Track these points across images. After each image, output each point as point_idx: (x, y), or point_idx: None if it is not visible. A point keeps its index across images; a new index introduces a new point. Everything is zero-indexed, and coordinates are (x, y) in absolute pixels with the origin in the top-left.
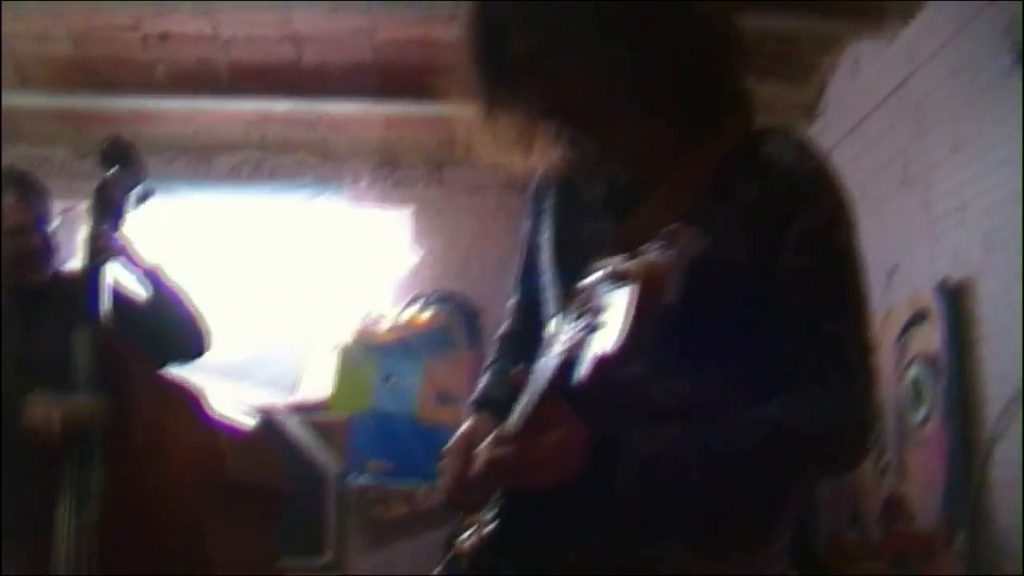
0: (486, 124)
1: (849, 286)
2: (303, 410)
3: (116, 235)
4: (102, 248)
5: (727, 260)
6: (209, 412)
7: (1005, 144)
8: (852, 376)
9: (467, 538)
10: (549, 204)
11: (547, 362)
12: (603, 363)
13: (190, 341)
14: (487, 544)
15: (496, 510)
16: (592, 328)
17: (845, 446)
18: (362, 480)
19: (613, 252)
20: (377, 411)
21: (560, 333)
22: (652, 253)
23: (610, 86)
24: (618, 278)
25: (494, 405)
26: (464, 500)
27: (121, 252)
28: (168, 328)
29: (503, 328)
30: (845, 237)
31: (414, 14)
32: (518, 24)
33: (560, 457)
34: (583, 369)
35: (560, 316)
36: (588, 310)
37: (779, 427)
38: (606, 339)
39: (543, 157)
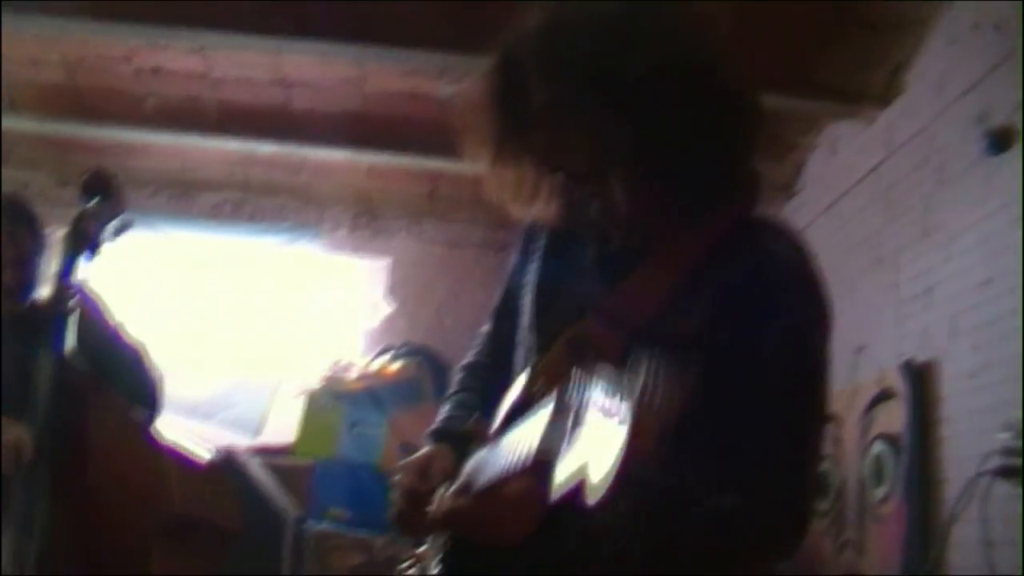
0: (494, 169)
1: (816, 391)
2: (266, 453)
3: (84, 285)
4: (69, 287)
5: (705, 342)
6: (161, 441)
7: (972, 231)
8: (797, 480)
9: (408, 569)
10: (539, 247)
11: (519, 442)
12: (586, 503)
13: (144, 401)
14: None
15: (440, 556)
16: (572, 435)
17: (778, 544)
18: (321, 527)
19: (595, 319)
20: (341, 459)
21: (539, 408)
22: (649, 387)
23: (615, 152)
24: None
25: (453, 438)
26: (412, 521)
27: (87, 299)
28: (123, 385)
29: (469, 357)
30: (822, 341)
31: (404, 67)
32: (537, 75)
33: (515, 519)
34: (560, 486)
35: (539, 382)
36: (574, 409)
37: (722, 517)
38: (592, 484)
39: (544, 208)
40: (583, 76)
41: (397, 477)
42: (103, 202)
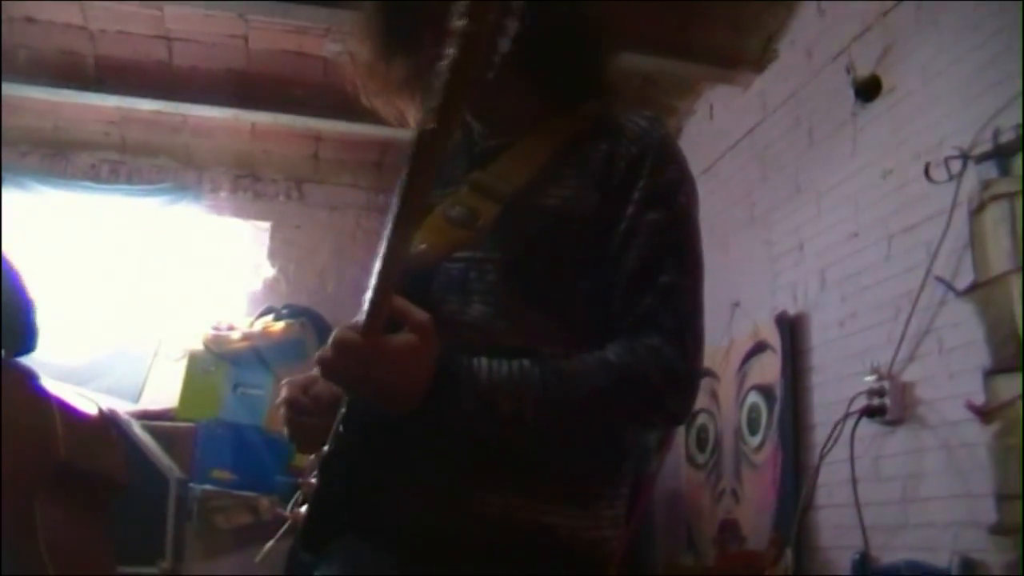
0: (376, 66)
1: (688, 244)
2: (147, 417)
3: None
4: None
5: (573, 210)
6: (45, 389)
7: (840, 188)
8: (686, 327)
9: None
10: None
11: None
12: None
13: (24, 329)
14: (313, 498)
15: (319, 466)
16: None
17: (678, 393)
18: (205, 487)
19: (470, 191)
20: (225, 420)
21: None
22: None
23: (499, 48)
24: None
25: None
26: (301, 431)
27: None
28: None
29: None
30: (687, 200)
31: (289, 23)
32: None
33: (410, 360)
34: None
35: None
36: None
37: (616, 370)
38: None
39: (420, 110)
40: None
41: (281, 391)
42: None
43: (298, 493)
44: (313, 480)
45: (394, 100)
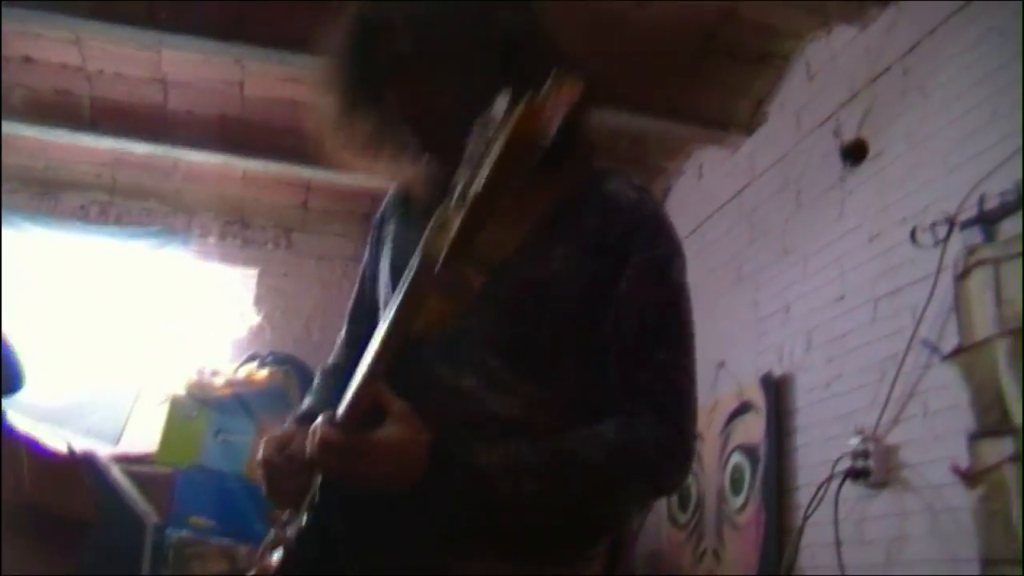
0: (343, 123)
1: (681, 319)
2: (126, 460)
3: None
4: None
5: (565, 284)
6: (12, 428)
7: (827, 251)
8: (682, 403)
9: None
10: (388, 232)
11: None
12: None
13: (8, 375)
14: (294, 546)
15: (306, 515)
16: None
17: (674, 470)
18: (181, 534)
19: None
20: (205, 466)
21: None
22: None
23: (471, 105)
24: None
25: (314, 418)
26: (278, 490)
27: None
28: None
29: (328, 361)
30: (679, 273)
31: (285, 72)
32: (403, 25)
33: (397, 454)
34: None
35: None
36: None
37: (614, 445)
38: (480, 178)
39: (390, 165)
40: (452, 24)
41: (260, 451)
42: None
43: (267, 538)
44: (282, 549)
45: (359, 154)
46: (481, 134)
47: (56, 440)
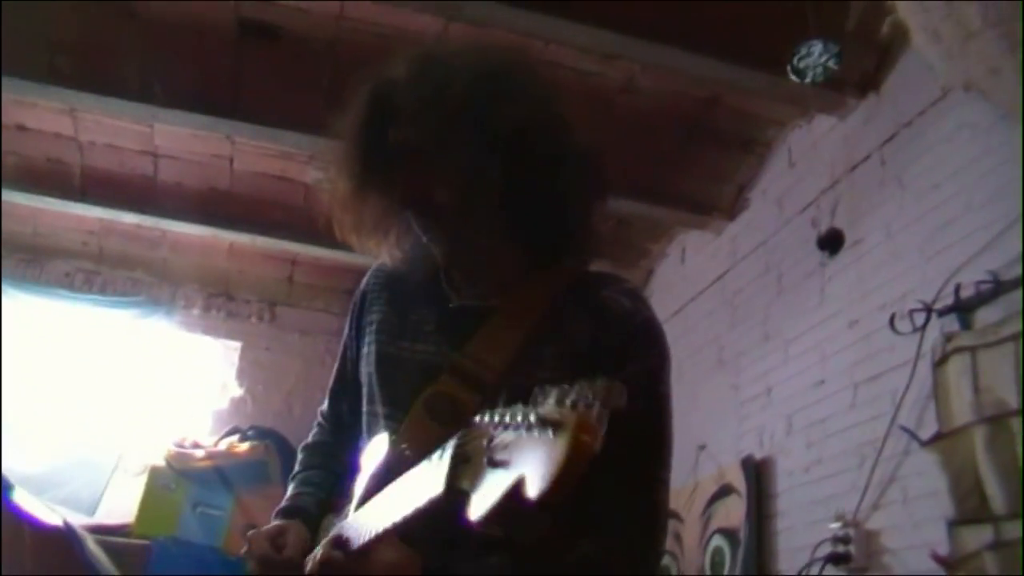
0: (351, 202)
1: (665, 435)
2: (101, 531)
3: None
4: None
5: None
6: (16, 504)
7: (807, 336)
8: (659, 517)
9: None
10: (373, 319)
11: (408, 493)
12: (525, 506)
13: None
14: None
15: None
16: (495, 464)
17: (650, 573)
18: None
19: (450, 376)
20: (181, 538)
21: (433, 455)
22: (579, 403)
23: (476, 197)
24: (544, 424)
25: (302, 514)
26: None
27: None
28: None
29: (310, 437)
30: (666, 386)
31: (274, 148)
32: (409, 112)
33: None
34: (487, 504)
35: (404, 447)
36: (486, 446)
37: (597, 563)
38: (534, 482)
39: (394, 249)
40: (460, 116)
41: (247, 548)
42: None
43: None
44: None
45: (367, 237)
46: (522, 418)
47: (50, 514)
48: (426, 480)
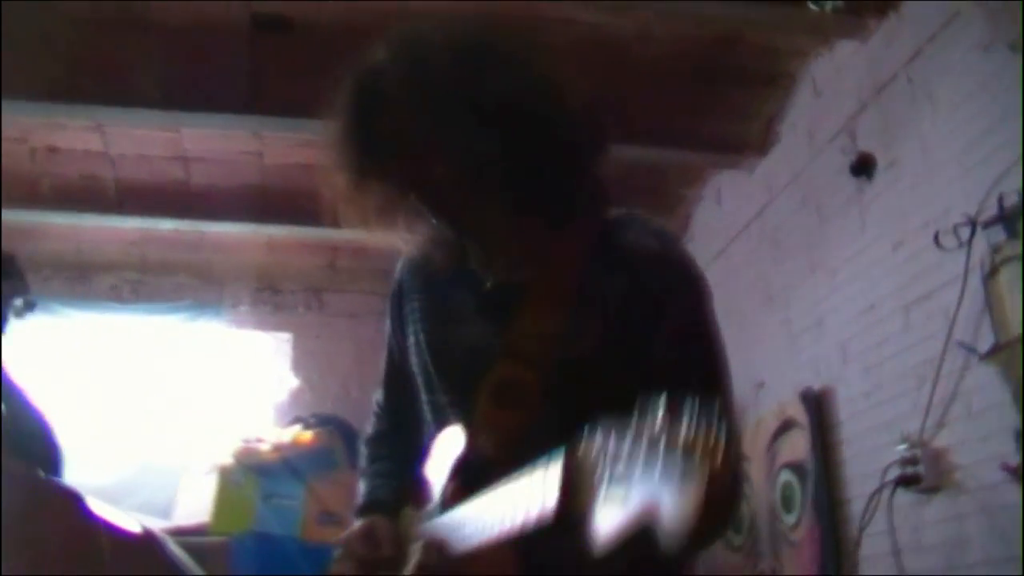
0: (353, 194)
1: (719, 363)
2: (179, 534)
3: None
4: None
5: (603, 359)
6: (92, 511)
7: (853, 262)
8: (738, 446)
9: None
10: (415, 307)
11: (515, 501)
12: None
13: (50, 453)
14: None
15: None
16: (617, 483)
17: (737, 506)
18: None
19: (506, 359)
20: (259, 532)
21: (538, 464)
22: (703, 426)
23: (475, 172)
24: (671, 450)
25: (383, 507)
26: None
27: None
28: (33, 448)
29: (370, 429)
30: (711, 321)
31: (302, 138)
32: (396, 97)
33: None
34: (610, 523)
35: (483, 439)
36: (602, 464)
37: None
38: (670, 509)
39: (405, 233)
40: (441, 98)
41: (341, 551)
42: (5, 282)
43: None
44: None
45: (374, 223)
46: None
47: (128, 520)
48: (535, 490)
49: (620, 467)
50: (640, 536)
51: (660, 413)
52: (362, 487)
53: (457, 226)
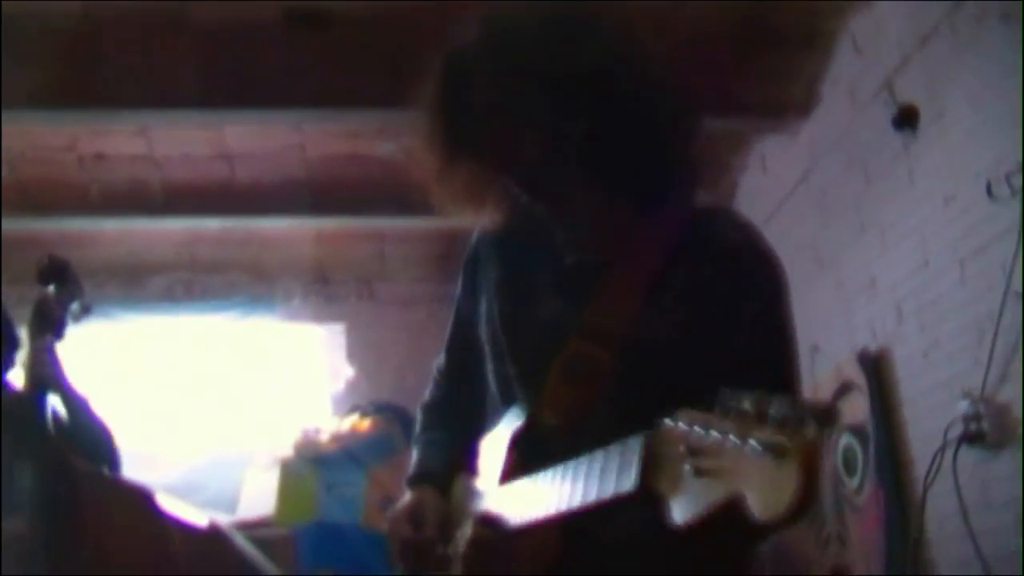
0: (441, 175)
1: (794, 359)
2: (245, 527)
3: (54, 356)
4: (45, 370)
5: (679, 345)
6: (162, 508)
7: (903, 220)
8: None
9: None
10: (492, 277)
11: (584, 476)
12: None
13: (111, 456)
14: None
15: None
16: (702, 473)
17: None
18: None
19: (581, 336)
20: (323, 521)
21: (611, 447)
22: (800, 426)
23: (567, 149)
24: (763, 445)
25: (433, 478)
26: (417, 564)
27: (59, 374)
28: (99, 453)
29: (427, 396)
30: (787, 317)
31: (343, 128)
32: (485, 76)
33: (538, 553)
34: (694, 511)
35: (547, 414)
36: (684, 452)
37: None
38: (759, 504)
39: (494, 214)
40: (531, 76)
41: (391, 529)
42: (61, 287)
43: None
44: None
45: (464, 205)
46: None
47: (195, 514)
48: (609, 472)
49: (707, 456)
50: (718, 526)
51: (748, 407)
52: (414, 455)
53: (547, 203)
